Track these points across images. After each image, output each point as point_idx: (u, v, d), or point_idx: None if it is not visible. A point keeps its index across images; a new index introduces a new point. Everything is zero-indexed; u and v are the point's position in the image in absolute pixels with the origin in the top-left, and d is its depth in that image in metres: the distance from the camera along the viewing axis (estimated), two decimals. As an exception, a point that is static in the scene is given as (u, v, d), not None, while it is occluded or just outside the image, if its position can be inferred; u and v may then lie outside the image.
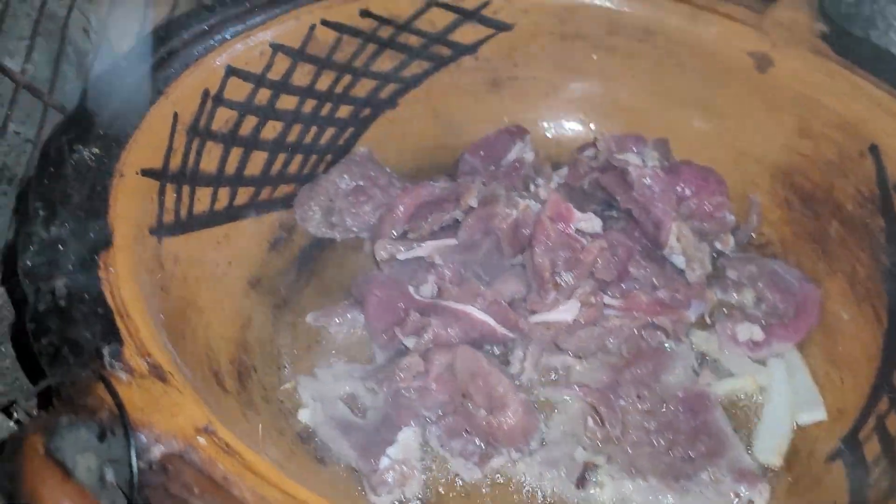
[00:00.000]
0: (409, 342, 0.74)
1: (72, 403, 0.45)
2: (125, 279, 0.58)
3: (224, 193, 0.81)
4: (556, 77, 0.99)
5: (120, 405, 0.45)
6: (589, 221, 0.78)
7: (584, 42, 0.97)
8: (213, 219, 0.79)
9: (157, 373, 0.51)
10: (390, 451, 0.67)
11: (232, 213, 0.82)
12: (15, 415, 0.67)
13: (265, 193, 0.86)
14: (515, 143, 0.93)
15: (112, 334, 0.53)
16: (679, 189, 0.85)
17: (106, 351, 0.51)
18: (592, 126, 1.00)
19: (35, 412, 0.67)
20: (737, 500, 0.68)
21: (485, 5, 0.94)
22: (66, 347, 0.51)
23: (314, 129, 0.90)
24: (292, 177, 0.89)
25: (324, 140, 0.91)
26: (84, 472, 0.42)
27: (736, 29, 0.90)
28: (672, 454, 0.69)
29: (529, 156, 0.92)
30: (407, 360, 0.73)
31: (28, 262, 0.56)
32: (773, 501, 0.69)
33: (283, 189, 0.88)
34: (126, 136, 0.68)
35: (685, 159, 0.90)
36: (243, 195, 0.83)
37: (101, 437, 0.44)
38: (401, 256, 0.81)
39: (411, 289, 0.80)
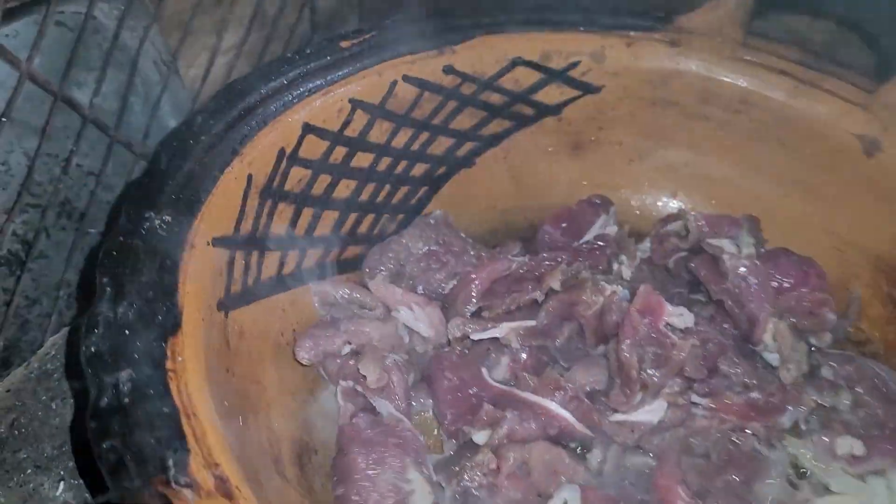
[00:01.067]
0: (481, 437, 0.69)
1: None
2: (193, 369, 0.54)
3: (293, 257, 0.77)
4: (643, 144, 0.94)
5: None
6: (681, 317, 0.72)
7: (675, 109, 0.91)
8: (281, 285, 0.75)
9: (224, 489, 0.47)
10: (459, 558, 0.62)
11: (299, 277, 0.77)
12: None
13: (332, 255, 0.82)
14: (599, 216, 0.87)
15: (178, 440, 0.48)
16: (776, 282, 0.79)
17: (171, 461, 0.47)
18: (679, 198, 0.94)
19: None
20: None
21: (572, 66, 0.89)
22: (129, 455, 0.47)
23: (387, 187, 0.85)
24: (362, 237, 0.85)
25: (396, 199, 0.87)
26: None
27: (842, 108, 0.85)
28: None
29: (612, 229, 0.87)
30: (479, 457, 0.67)
31: (92, 349, 0.52)
32: None
33: (353, 250, 0.84)
34: (199, 202, 0.64)
35: (782, 247, 0.84)
36: (312, 257, 0.79)
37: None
38: (475, 336, 0.76)
39: (484, 371, 0.75)
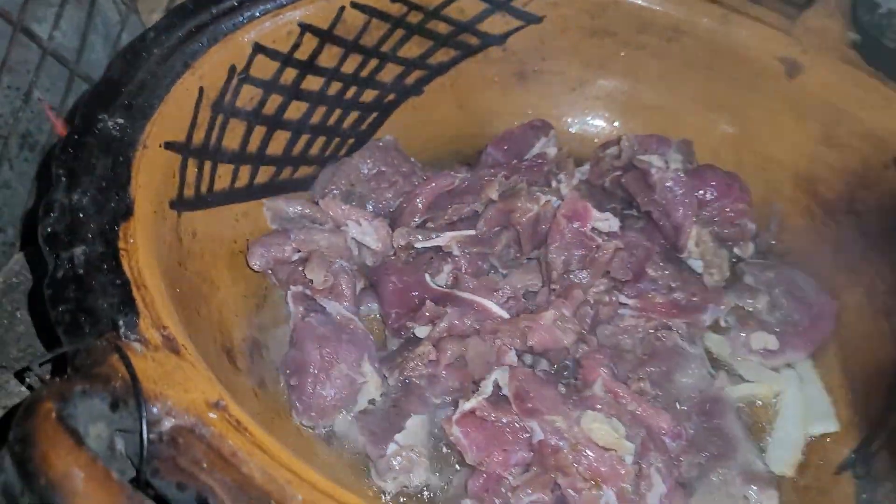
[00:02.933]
0: (422, 332, 0.74)
1: (86, 372, 0.45)
2: (144, 251, 0.58)
3: (245, 171, 0.81)
4: (584, 73, 0.99)
5: (134, 376, 0.45)
6: (606, 221, 0.77)
7: (613, 39, 0.96)
8: (234, 196, 0.79)
9: (172, 346, 0.51)
10: (398, 437, 0.67)
11: (252, 192, 0.82)
12: (27, 380, 0.67)
13: (286, 174, 0.86)
14: (539, 138, 0.92)
15: (128, 305, 0.53)
16: (701, 193, 0.84)
17: (122, 321, 0.51)
18: (617, 124, 1.00)
19: (48, 379, 0.67)
20: (745, 503, 0.67)
21: (516, -4, 0.93)
22: (83, 316, 0.51)
23: (338, 111, 0.89)
24: (314, 158, 0.89)
25: (347, 124, 0.91)
26: (94, 441, 0.43)
27: (767, 33, 0.90)
28: (685, 457, 0.69)
29: (552, 151, 0.92)
30: (420, 348, 0.72)
31: (48, 229, 0.56)
32: (781, 508, 0.69)
33: (304, 170, 0.88)
34: (151, 109, 0.68)
35: (709, 163, 0.89)
36: (264, 174, 0.83)
37: (114, 406, 0.44)
38: (418, 245, 0.81)
39: (427, 277, 0.80)
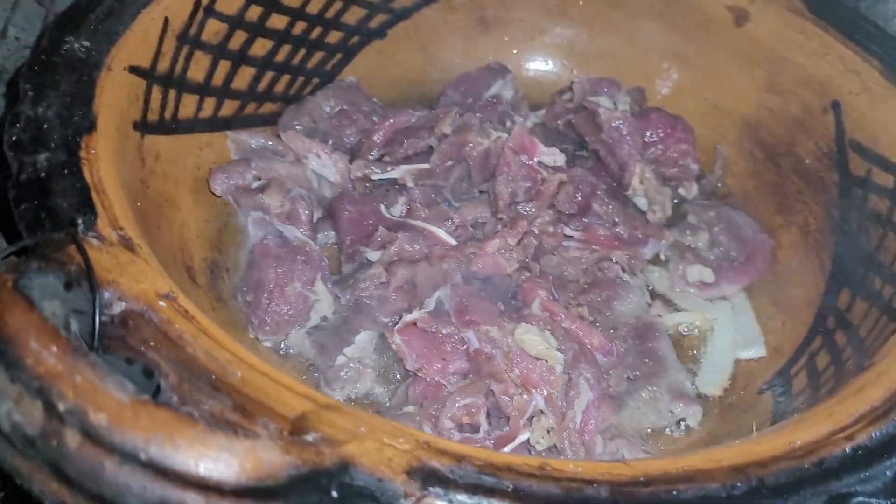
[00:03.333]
0: (374, 256, 0.78)
1: (42, 255, 0.48)
2: (105, 162, 0.61)
3: (209, 103, 0.84)
4: (543, 20, 1.02)
5: (87, 261, 0.49)
6: (551, 155, 0.81)
7: (572, -13, 1.00)
8: (197, 126, 0.82)
9: (127, 244, 0.55)
10: (347, 350, 0.71)
11: (215, 124, 0.85)
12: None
13: (250, 108, 0.89)
14: (496, 80, 0.96)
15: (87, 206, 0.56)
16: (647, 134, 0.88)
17: (80, 220, 0.55)
18: (574, 71, 1.03)
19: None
20: (671, 417, 0.72)
21: (477, -57, 0.96)
22: (44, 214, 0.55)
23: (302, 51, 0.93)
24: (278, 96, 0.92)
25: (311, 63, 0.94)
26: (50, 317, 0.46)
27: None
28: (614, 371, 0.73)
29: (508, 93, 0.95)
30: (371, 270, 0.76)
31: (14, 137, 0.60)
32: (705, 422, 0.73)
33: (268, 107, 0.92)
34: (117, 34, 0.71)
35: (656, 107, 0.93)
36: (228, 108, 0.86)
37: (68, 286, 0.47)
38: (375, 177, 0.85)
39: (382, 208, 0.83)
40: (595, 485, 0.47)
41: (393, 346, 0.70)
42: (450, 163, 0.86)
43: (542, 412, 0.65)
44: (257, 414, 0.46)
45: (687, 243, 0.87)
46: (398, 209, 0.84)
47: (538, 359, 0.67)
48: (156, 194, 0.73)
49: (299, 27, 0.91)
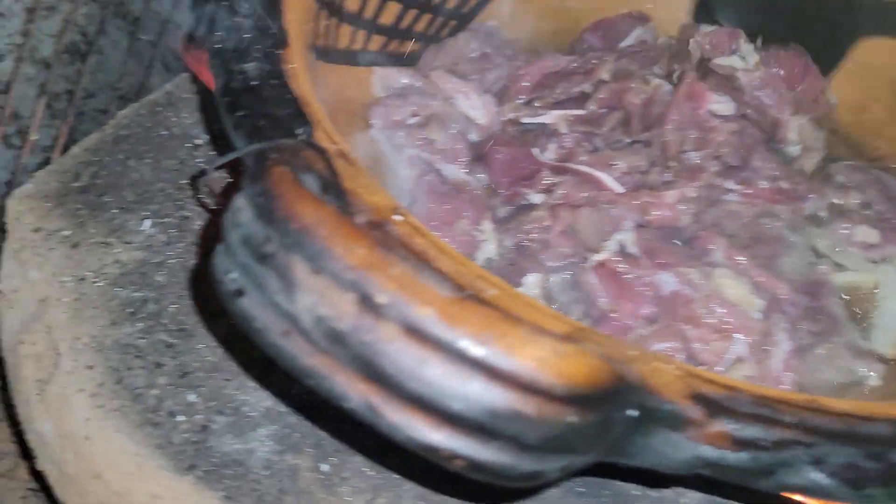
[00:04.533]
0: (537, 199, 0.75)
1: (294, 155, 0.45)
2: (303, 76, 0.59)
3: (361, 36, 0.81)
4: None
5: (333, 167, 0.46)
6: (724, 104, 0.78)
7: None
8: (350, 57, 0.80)
9: (346, 157, 0.52)
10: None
11: (365, 59, 0.82)
12: (199, 194, 0.69)
13: (394, 45, 0.86)
14: (636, 27, 0.93)
15: (301, 117, 0.54)
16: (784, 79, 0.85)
17: (300, 130, 0.52)
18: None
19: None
20: (850, 375, 0.69)
21: None
22: (263, 121, 0.52)
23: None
24: (418, 35, 0.89)
25: (451, 4, 0.91)
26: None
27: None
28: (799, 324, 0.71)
29: (651, 40, 0.92)
30: (535, 213, 0.74)
31: (217, 45, 0.57)
32: (883, 385, 0.71)
33: (408, 45, 0.89)
34: (294, -49, 0.68)
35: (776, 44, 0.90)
36: (376, 43, 0.84)
37: (323, 190, 0.45)
38: (526, 120, 0.82)
39: (535, 152, 0.81)
40: (873, 421, 0.44)
41: (585, 286, 0.67)
42: (604, 110, 0.83)
43: (740, 359, 0.62)
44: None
45: (839, 202, 0.84)
46: (549, 154, 0.81)
47: (735, 305, 0.64)
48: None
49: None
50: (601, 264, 0.67)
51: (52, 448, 0.64)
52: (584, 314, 0.69)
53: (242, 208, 0.40)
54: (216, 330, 0.66)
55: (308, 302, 0.37)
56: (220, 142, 0.78)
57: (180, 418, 0.60)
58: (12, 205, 0.76)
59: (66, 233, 0.73)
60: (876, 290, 0.79)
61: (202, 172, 0.71)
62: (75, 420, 0.62)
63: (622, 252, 0.69)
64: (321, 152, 0.47)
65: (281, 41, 0.60)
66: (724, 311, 0.63)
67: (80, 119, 1.01)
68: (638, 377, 0.40)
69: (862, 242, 0.81)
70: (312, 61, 0.68)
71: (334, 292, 0.36)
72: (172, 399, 0.62)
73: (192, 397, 0.62)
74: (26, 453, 0.76)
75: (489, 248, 0.72)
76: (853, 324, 0.74)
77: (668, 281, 0.65)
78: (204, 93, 0.84)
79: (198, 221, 0.75)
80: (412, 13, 0.87)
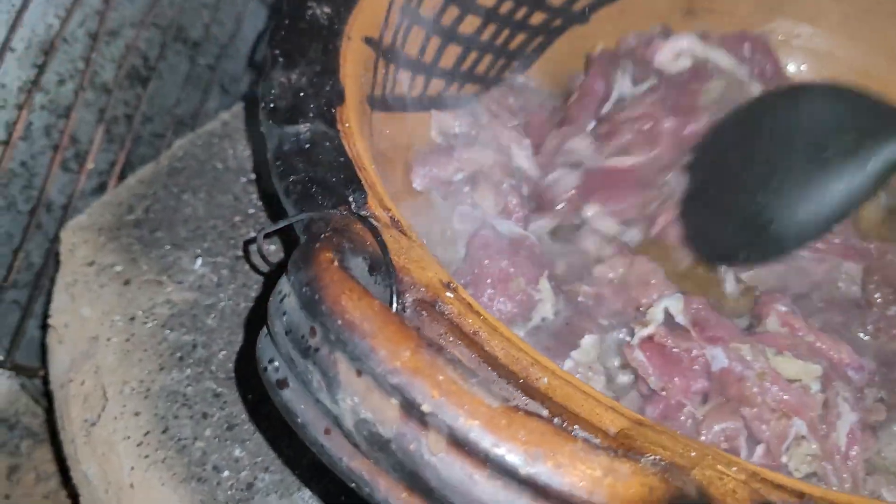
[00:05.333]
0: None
1: (343, 232, 0.45)
2: (358, 135, 0.58)
3: (419, 81, 0.80)
4: (755, 13, 0.96)
5: (383, 243, 0.45)
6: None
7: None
8: (408, 104, 0.78)
9: (399, 227, 0.51)
10: (574, 353, 0.66)
11: (423, 103, 0.81)
12: (251, 258, 0.69)
13: (453, 89, 0.85)
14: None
15: (355, 182, 0.53)
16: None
17: (352, 197, 0.51)
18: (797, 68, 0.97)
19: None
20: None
21: (697, -72, 0.90)
22: (314, 187, 0.51)
23: (507, 31, 0.88)
24: (479, 77, 0.88)
25: (513, 45, 0.90)
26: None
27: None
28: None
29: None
30: (598, 268, 0.72)
31: (271, 104, 0.56)
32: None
33: (469, 88, 0.87)
34: (354, 1, 0.68)
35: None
36: (434, 87, 0.82)
37: (371, 269, 0.44)
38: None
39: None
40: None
41: (633, 362, 0.65)
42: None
43: (801, 437, 0.60)
44: (575, 425, 0.42)
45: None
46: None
47: (790, 382, 0.61)
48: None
49: (506, 6, 0.86)
50: (649, 338, 0.64)
51: (96, 491, 0.65)
52: (633, 383, 0.67)
53: (287, 295, 0.39)
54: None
55: (351, 403, 0.36)
56: (273, 201, 0.77)
57: (225, 473, 0.60)
58: (66, 236, 0.77)
59: (118, 268, 0.73)
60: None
61: (252, 240, 0.71)
62: (120, 467, 0.62)
63: (669, 323, 0.67)
64: (371, 227, 0.46)
65: (337, 98, 0.59)
66: (779, 388, 0.61)
67: (137, 143, 1.01)
68: (698, 488, 0.38)
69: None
70: (368, 114, 0.67)
71: (377, 396, 0.35)
72: (218, 453, 0.61)
73: (238, 452, 0.61)
74: (68, 479, 0.76)
75: (546, 307, 0.70)
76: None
77: (718, 356, 0.63)
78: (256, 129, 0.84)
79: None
80: (473, 55, 0.86)
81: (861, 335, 0.72)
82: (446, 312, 0.46)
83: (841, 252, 0.76)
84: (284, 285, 0.40)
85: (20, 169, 0.89)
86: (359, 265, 0.42)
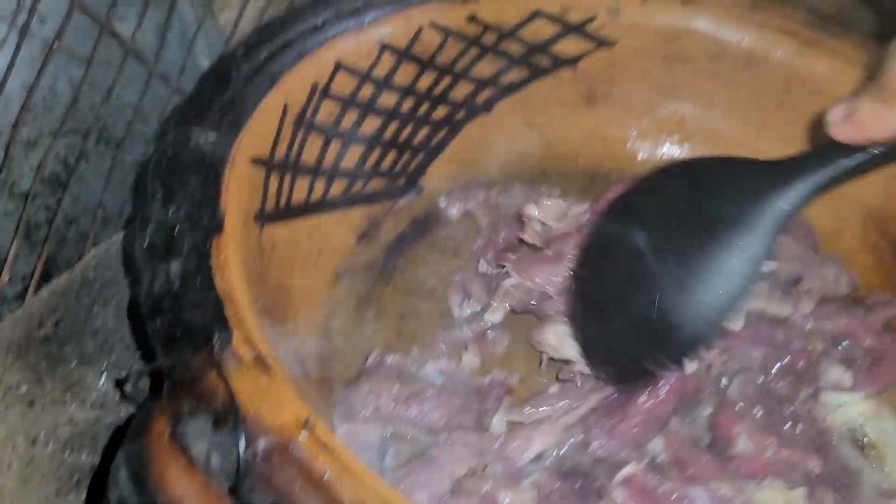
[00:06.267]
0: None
1: (190, 390, 0.47)
2: (233, 265, 0.60)
3: (320, 185, 0.82)
4: (653, 97, 0.99)
5: (233, 396, 0.47)
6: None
7: (685, 65, 0.97)
8: (309, 209, 0.81)
9: (262, 363, 0.53)
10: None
11: (326, 205, 0.83)
12: (126, 390, 0.70)
13: (357, 187, 0.88)
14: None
15: (221, 321, 0.55)
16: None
17: (216, 337, 0.53)
18: (685, 150, 1.00)
19: (149, 393, 0.70)
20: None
21: (590, 20, 0.94)
22: (180, 330, 0.53)
23: (410, 127, 0.91)
24: (384, 172, 0.90)
25: (418, 139, 0.92)
26: (196, 458, 0.44)
27: (843, 67, 0.89)
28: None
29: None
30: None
31: (146, 241, 0.58)
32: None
33: (374, 184, 0.90)
34: (240, 125, 0.70)
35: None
36: (337, 187, 0.85)
37: (216, 425, 0.46)
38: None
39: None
40: None
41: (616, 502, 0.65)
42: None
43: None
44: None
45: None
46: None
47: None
48: (273, 288, 0.71)
49: (407, 104, 0.90)
50: (630, 478, 0.65)
51: None
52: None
53: (120, 467, 0.41)
54: None
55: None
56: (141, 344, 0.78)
57: None
58: (-25, 355, 0.78)
59: (23, 388, 0.75)
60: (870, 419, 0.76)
61: (125, 378, 0.73)
62: None
63: (652, 462, 0.68)
64: (224, 379, 0.48)
65: (214, 227, 0.62)
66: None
67: (60, 245, 1.03)
68: None
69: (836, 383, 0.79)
70: (257, 233, 0.70)
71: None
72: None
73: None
74: None
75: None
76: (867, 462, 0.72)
77: (700, 496, 0.63)
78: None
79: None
80: (376, 153, 0.89)
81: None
82: (297, 456, 0.48)
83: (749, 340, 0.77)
84: (120, 455, 0.42)
85: (-66, 282, 0.90)
86: (199, 426, 0.44)
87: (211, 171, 0.65)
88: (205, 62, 1.18)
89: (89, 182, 1.06)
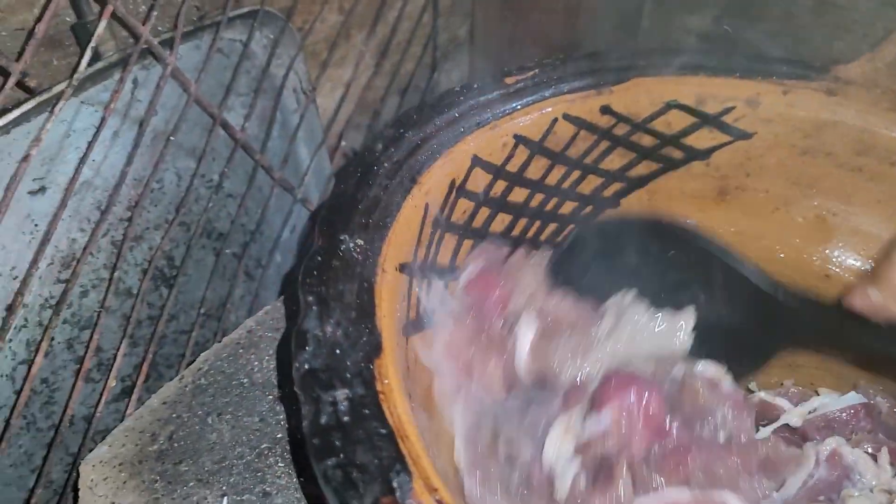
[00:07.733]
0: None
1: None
2: (398, 393, 0.54)
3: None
4: (790, 191, 0.93)
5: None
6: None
7: (826, 159, 0.90)
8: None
9: (446, 511, 0.47)
10: None
11: (457, 309, 0.78)
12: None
13: (486, 287, 0.82)
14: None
15: (399, 461, 0.48)
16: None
17: (396, 482, 0.47)
18: (827, 249, 0.93)
19: None
20: None
21: (726, 112, 0.89)
22: (355, 472, 0.47)
23: (537, 223, 0.86)
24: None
25: (545, 235, 0.87)
26: None
27: None
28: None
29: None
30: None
31: (306, 366, 0.53)
32: None
33: (500, 280, 0.84)
34: (386, 227, 0.65)
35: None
36: (470, 288, 0.79)
37: None
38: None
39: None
40: None
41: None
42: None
43: None
44: None
45: None
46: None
47: None
48: (417, 406, 0.65)
49: (537, 199, 0.85)
50: None
51: None
52: None
53: None
54: None
55: None
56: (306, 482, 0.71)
57: None
58: (86, 471, 0.73)
59: (140, 511, 0.69)
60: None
61: None
62: None
63: None
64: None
65: (374, 349, 0.56)
66: None
67: (161, 343, 0.99)
68: None
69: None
70: (405, 347, 0.64)
71: None
72: None
73: None
74: None
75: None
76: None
77: None
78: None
79: (278, 499, 0.70)
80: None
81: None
82: None
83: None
84: None
85: (41, 386, 0.86)
86: None
87: (364, 281, 0.60)
88: (305, 151, 1.15)
89: (191, 277, 1.02)
